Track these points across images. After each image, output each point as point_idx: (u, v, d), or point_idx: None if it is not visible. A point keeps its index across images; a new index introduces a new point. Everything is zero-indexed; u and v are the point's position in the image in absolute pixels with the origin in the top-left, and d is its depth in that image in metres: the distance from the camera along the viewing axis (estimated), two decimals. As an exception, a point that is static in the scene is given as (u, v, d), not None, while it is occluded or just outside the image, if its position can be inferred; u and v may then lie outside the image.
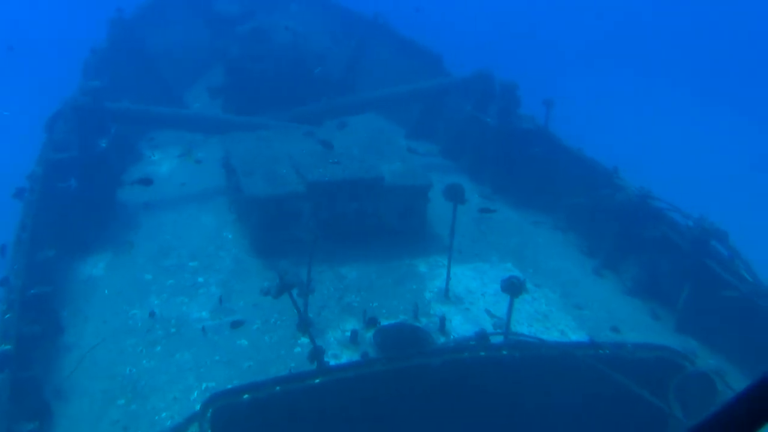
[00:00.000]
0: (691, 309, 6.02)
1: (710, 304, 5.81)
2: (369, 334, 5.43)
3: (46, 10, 26.19)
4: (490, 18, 26.72)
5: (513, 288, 4.95)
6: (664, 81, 23.20)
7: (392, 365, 4.43)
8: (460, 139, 9.20)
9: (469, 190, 6.59)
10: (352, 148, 7.21)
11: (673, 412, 4.41)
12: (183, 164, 8.63)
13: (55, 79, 10.17)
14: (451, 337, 5.53)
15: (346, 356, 5.22)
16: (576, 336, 5.69)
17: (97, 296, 6.13)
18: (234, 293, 6.08)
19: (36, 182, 6.59)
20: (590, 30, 26.56)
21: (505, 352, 4.62)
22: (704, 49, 25.38)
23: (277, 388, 4.12)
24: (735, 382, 4.65)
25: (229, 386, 4.35)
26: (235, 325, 5.55)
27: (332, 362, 4.85)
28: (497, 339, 5.05)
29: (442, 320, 5.64)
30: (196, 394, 4.86)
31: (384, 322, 5.57)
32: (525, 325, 5.73)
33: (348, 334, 5.45)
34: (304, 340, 5.29)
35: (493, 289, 6.16)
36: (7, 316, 4.93)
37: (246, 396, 4.05)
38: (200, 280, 6.29)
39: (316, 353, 4.51)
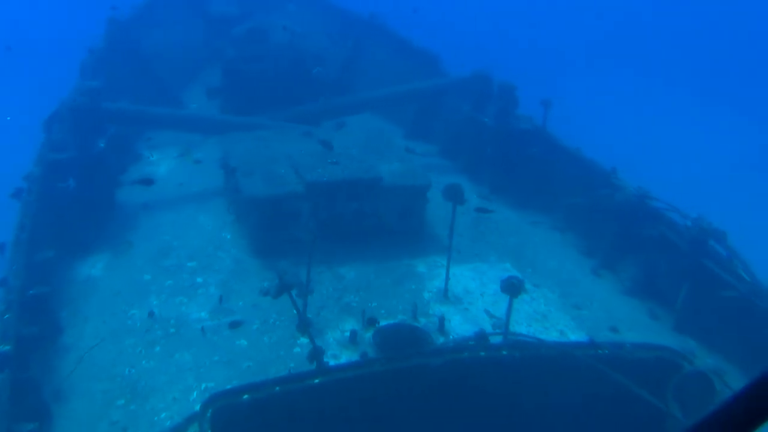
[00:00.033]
0: (689, 309, 6.04)
1: (708, 304, 5.82)
2: (368, 335, 5.43)
3: (43, 10, 26.16)
4: (489, 18, 26.73)
5: (512, 288, 4.96)
6: (663, 81, 23.23)
7: (391, 365, 4.43)
8: (458, 140, 9.21)
9: (468, 191, 6.60)
10: (351, 148, 7.22)
11: (671, 411, 4.42)
12: (181, 165, 8.63)
13: (54, 79, 10.16)
14: (450, 337, 5.53)
15: (346, 356, 5.22)
16: (575, 336, 5.69)
17: (96, 297, 6.12)
18: (233, 293, 6.07)
19: (34, 183, 6.59)
20: (589, 30, 26.58)
21: (504, 352, 4.63)
22: (703, 49, 25.41)
23: (277, 388, 4.12)
24: (733, 381, 4.66)
25: (229, 386, 4.35)
26: (234, 325, 5.55)
27: (331, 362, 4.85)
28: (496, 339, 5.05)
29: (441, 320, 5.65)
30: (195, 394, 4.86)
31: (383, 323, 5.57)
32: (524, 325, 5.74)
33: (347, 334, 5.45)
34: (304, 340, 5.30)
35: (491, 289, 6.18)
36: (6, 316, 4.92)
37: (246, 396, 4.05)
38: (199, 280, 6.28)
39: (316, 353, 4.51)
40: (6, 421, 4.19)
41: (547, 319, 5.96)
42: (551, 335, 5.62)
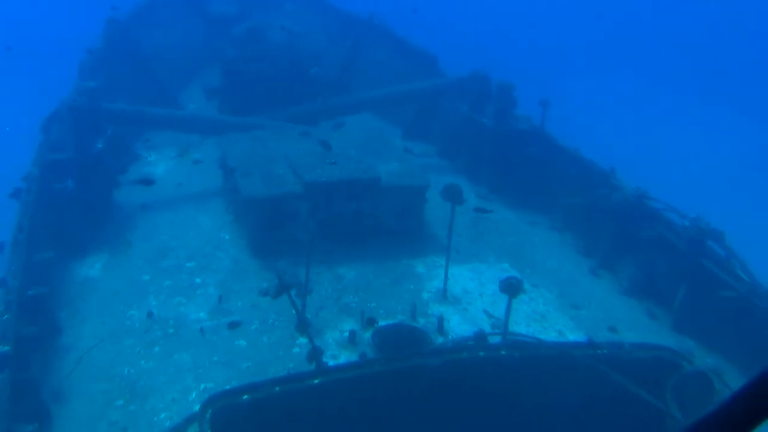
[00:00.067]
0: (687, 309, 6.05)
1: (707, 303, 5.83)
2: (367, 335, 5.44)
3: (43, 10, 26.15)
4: (489, 18, 26.74)
5: (511, 288, 4.97)
6: (662, 81, 23.24)
7: (391, 365, 4.43)
8: (456, 140, 9.21)
9: (466, 191, 6.60)
10: (350, 148, 7.22)
11: (671, 411, 4.43)
12: (180, 165, 8.63)
13: (53, 79, 10.16)
14: (449, 337, 5.53)
15: (345, 357, 5.23)
16: (573, 336, 5.70)
17: (94, 297, 6.12)
18: (232, 294, 6.07)
19: (32, 183, 6.58)
20: (589, 30, 26.60)
21: (503, 352, 4.63)
22: (703, 49, 25.43)
23: (276, 388, 4.13)
24: (732, 381, 4.67)
25: (228, 387, 4.35)
26: (233, 325, 5.55)
27: (331, 363, 4.86)
28: (495, 339, 5.06)
29: (440, 320, 5.65)
30: (194, 394, 4.86)
31: (382, 323, 5.58)
32: (522, 325, 5.74)
33: (346, 334, 5.45)
34: (303, 340, 5.30)
35: (490, 289, 6.18)
36: (5, 317, 4.92)
37: (245, 396, 4.05)
38: (198, 280, 6.28)
39: (315, 354, 4.51)
40: (6, 421, 4.19)
41: (546, 319, 5.97)
42: (550, 335, 5.63)
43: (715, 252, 5.95)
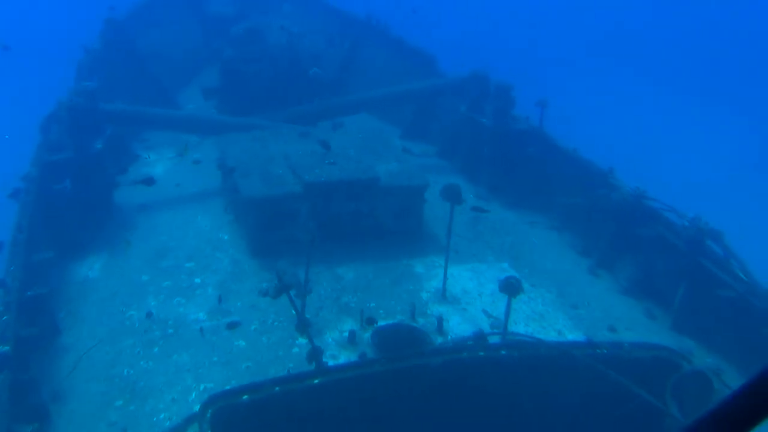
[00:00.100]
0: (686, 308, 6.06)
1: (706, 303, 5.84)
2: (367, 335, 5.44)
3: (42, 9, 26.13)
4: (487, 19, 26.75)
5: (511, 288, 4.97)
6: (661, 81, 23.26)
7: (390, 365, 4.43)
8: (455, 140, 9.22)
9: (465, 191, 6.61)
10: (349, 148, 7.22)
11: (670, 410, 4.43)
12: (178, 165, 8.63)
13: (52, 79, 10.15)
14: (449, 337, 5.54)
15: (344, 357, 5.23)
16: (573, 336, 5.71)
17: (93, 298, 6.12)
18: (231, 294, 6.07)
19: (31, 183, 6.58)
20: (588, 30, 26.61)
21: (503, 352, 4.63)
22: (703, 49, 25.45)
23: (276, 388, 4.13)
24: (731, 380, 4.68)
25: (228, 387, 4.35)
26: (232, 326, 5.55)
27: (330, 363, 4.86)
28: (495, 339, 5.06)
29: (440, 320, 5.66)
30: (194, 395, 4.86)
31: (381, 323, 5.58)
32: (522, 325, 5.75)
33: (346, 334, 5.46)
34: (302, 340, 5.30)
35: (489, 289, 6.19)
36: (4, 317, 4.92)
37: (245, 397, 4.05)
38: (197, 281, 6.28)
39: (315, 354, 4.51)
40: (6, 421, 4.19)
41: (545, 319, 5.97)
42: (549, 335, 5.64)
43: (714, 252, 5.96)
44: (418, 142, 9.67)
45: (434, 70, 9.93)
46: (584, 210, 7.43)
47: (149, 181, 7.04)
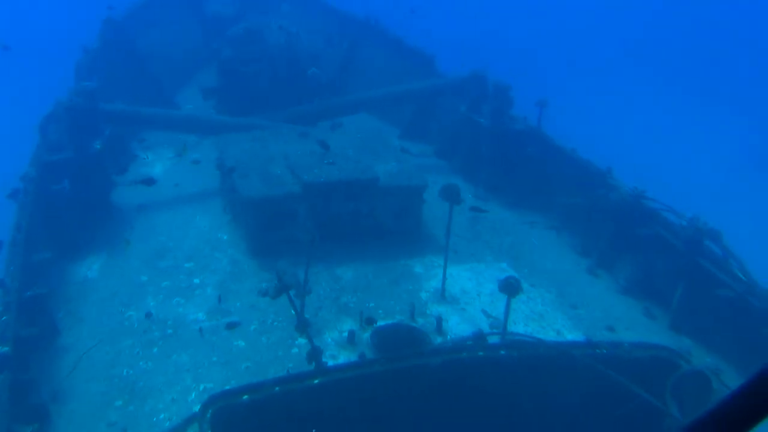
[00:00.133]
0: (685, 308, 6.06)
1: (704, 303, 5.85)
2: (366, 335, 5.45)
3: (42, 9, 26.11)
4: (486, 19, 26.75)
5: (510, 288, 4.98)
6: (661, 81, 23.27)
7: (390, 365, 4.44)
8: (453, 140, 9.22)
9: (464, 191, 6.61)
10: (347, 148, 7.22)
11: (669, 410, 4.44)
12: (177, 165, 8.63)
13: (51, 78, 10.15)
14: (448, 337, 5.55)
15: (344, 357, 5.24)
16: (572, 335, 5.71)
17: (93, 298, 6.12)
18: (230, 294, 6.08)
19: (30, 184, 6.57)
20: (588, 30, 26.61)
21: (503, 352, 4.64)
22: (703, 49, 25.46)
23: (276, 388, 4.13)
24: (730, 380, 4.69)
25: (227, 387, 4.36)
26: (232, 326, 5.55)
27: (330, 363, 4.86)
28: (494, 339, 5.07)
29: (439, 320, 5.66)
30: (194, 395, 4.86)
31: (381, 323, 5.59)
32: (521, 325, 5.76)
33: (345, 334, 5.46)
34: (302, 340, 5.31)
35: (488, 289, 6.20)
36: (4, 318, 4.92)
37: (245, 397, 4.06)
38: (196, 281, 6.29)
39: (314, 354, 4.52)
40: (5, 421, 4.19)
41: (544, 319, 5.98)
42: (548, 335, 5.64)
43: (713, 251, 5.97)
44: (417, 142, 9.68)
45: (433, 70, 9.94)
46: (583, 210, 7.43)
47: (149, 181, 7.04)
